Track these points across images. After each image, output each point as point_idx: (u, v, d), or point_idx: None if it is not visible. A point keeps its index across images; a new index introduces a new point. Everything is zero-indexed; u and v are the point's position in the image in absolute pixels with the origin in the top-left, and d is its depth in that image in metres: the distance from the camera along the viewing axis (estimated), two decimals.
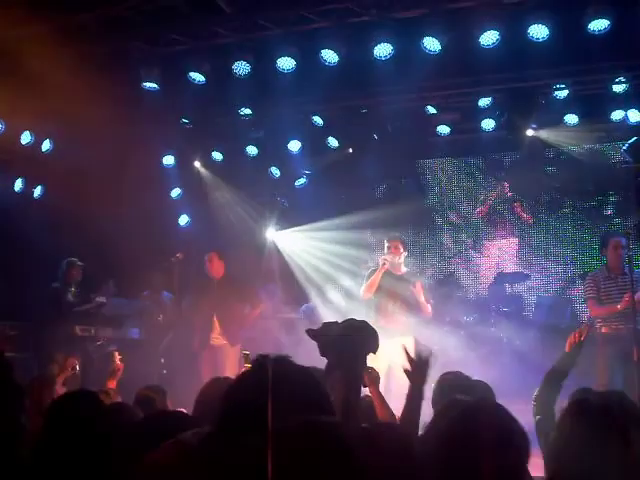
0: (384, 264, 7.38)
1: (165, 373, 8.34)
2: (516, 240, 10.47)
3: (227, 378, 4.01)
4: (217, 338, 8.05)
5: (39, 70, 6.96)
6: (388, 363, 6.12)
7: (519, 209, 10.41)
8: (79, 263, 8.70)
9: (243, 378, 2.27)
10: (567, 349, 3.91)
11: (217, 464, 2.11)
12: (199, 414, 3.27)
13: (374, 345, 3.07)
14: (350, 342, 2.99)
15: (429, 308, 7.46)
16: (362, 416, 3.44)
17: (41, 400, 4.34)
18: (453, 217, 10.90)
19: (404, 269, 7.64)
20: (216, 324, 8.09)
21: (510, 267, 10.18)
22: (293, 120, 9.63)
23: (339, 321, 3.27)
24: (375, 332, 3.07)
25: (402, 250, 7.59)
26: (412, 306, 7.39)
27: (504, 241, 10.52)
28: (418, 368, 3.37)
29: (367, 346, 3.04)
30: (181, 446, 2.23)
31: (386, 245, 7.62)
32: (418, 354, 3.40)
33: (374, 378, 4.16)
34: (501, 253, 10.46)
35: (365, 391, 4.17)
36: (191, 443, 2.22)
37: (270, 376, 2.17)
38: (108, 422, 2.92)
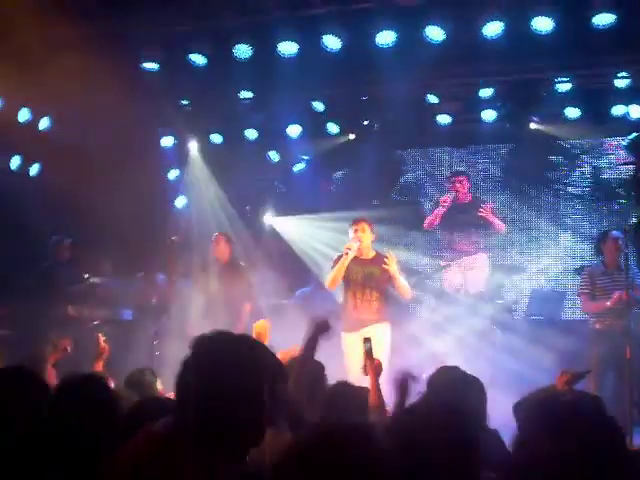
0: (347, 252, 6.96)
1: (157, 355, 8.31)
2: (485, 256, 8.80)
3: None
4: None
5: (39, 48, 6.88)
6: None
7: (489, 213, 8.51)
8: (67, 240, 8.68)
9: (185, 361, 2.19)
10: (559, 385, 3.87)
11: (182, 453, 2.07)
12: None
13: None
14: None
15: (408, 288, 7.09)
16: (354, 406, 3.47)
17: None
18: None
19: (373, 253, 7.17)
20: (216, 310, 8.05)
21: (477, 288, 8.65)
22: (293, 105, 9.57)
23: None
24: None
25: (369, 232, 7.10)
26: (387, 291, 7.07)
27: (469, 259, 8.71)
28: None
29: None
30: (150, 436, 2.16)
31: (351, 229, 7.12)
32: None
33: (376, 368, 4.16)
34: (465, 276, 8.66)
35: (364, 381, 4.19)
36: (159, 432, 2.16)
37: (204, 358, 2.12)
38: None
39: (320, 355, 3.74)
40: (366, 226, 7.11)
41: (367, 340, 4.39)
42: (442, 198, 8.89)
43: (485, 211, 8.50)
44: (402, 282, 7.05)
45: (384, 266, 6.90)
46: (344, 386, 3.63)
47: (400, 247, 9.57)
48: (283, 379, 2.20)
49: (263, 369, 2.11)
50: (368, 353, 4.25)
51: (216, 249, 8.39)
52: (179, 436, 2.08)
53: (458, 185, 8.84)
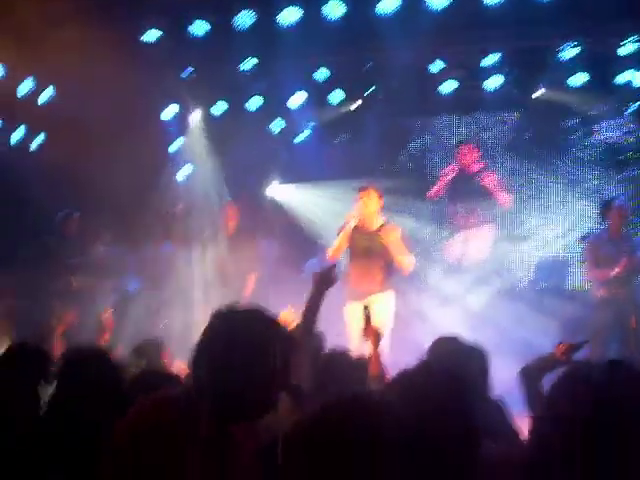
0: (348, 222, 6.78)
1: (164, 326, 8.35)
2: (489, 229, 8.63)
3: None
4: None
5: (38, 21, 6.83)
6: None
7: (493, 184, 8.32)
8: (76, 214, 8.61)
9: (204, 332, 2.26)
10: (557, 354, 3.77)
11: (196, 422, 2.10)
12: None
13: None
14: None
15: (409, 262, 6.74)
16: (354, 376, 3.45)
17: None
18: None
19: (380, 222, 6.87)
20: (225, 279, 8.11)
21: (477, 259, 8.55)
22: (297, 73, 9.49)
23: None
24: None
25: (375, 200, 6.81)
26: (391, 261, 6.77)
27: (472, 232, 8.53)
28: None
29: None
30: (157, 402, 2.20)
31: (358, 197, 6.84)
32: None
33: (377, 335, 4.14)
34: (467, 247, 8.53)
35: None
36: (169, 399, 2.20)
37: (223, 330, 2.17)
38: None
39: (321, 325, 3.65)
40: (372, 193, 6.85)
41: (366, 308, 4.36)
42: (447, 167, 8.78)
43: (488, 181, 8.39)
44: (400, 256, 6.73)
45: (387, 240, 6.69)
46: (340, 355, 3.55)
47: (404, 216, 9.48)
48: (295, 354, 2.27)
49: (277, 347, 2.17)
50: (367, 320, 4.23)
51: (225, 219, 8.47)
52: (192, 405, 2.13)
53: (464, 154, 8.67)
